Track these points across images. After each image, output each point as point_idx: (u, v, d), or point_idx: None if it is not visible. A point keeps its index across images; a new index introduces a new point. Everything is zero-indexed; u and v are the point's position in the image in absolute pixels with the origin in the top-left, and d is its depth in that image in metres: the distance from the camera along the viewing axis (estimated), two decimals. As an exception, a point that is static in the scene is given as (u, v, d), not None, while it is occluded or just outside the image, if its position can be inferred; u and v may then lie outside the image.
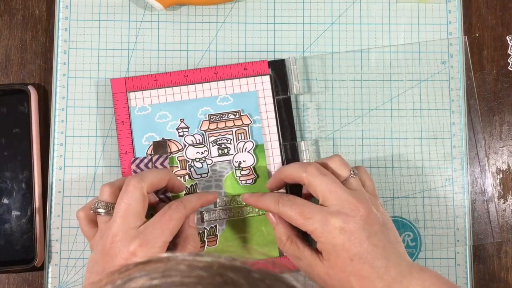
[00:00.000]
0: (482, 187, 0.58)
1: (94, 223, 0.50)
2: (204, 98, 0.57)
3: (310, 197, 0.52)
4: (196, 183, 0.56)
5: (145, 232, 0.46)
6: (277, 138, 0.57)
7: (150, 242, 0.46)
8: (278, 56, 0.59)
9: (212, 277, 0.29)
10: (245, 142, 0.56)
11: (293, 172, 0.50)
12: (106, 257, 0.46)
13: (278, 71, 0.57)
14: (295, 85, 0.57)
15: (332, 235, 0.46)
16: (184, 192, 0.55)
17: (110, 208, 0.48)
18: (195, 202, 0.51)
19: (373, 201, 0.49)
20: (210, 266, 0.30)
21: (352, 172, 0.50)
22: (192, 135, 0.56)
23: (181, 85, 0.57)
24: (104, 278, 0.30)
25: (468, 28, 0.60)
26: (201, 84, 0.57)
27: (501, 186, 0.59)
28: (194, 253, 0.41)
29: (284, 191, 0.55)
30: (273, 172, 0.56)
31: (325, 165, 0.50)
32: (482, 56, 0.60)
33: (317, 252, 0.49)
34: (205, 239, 0.55)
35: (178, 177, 0.55)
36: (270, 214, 0.52)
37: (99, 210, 0.48)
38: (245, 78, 0.57)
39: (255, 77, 0.57)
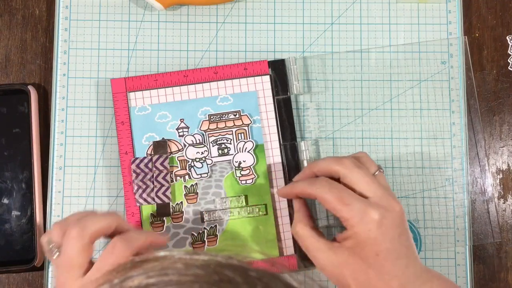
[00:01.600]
0: (482, 187, 0.58)
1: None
2: (204, 98, 0.57)
3: None
4: (196, 183, 0.56)
5: (90, 283, 0.43)
6: (277, 138, 0.57)
7: None
8: (278, 56, 0.59)
9: (209, 275, 0.29)
10: (245, 142, 0.56)
11: (328, 165, 0.50)
12: None
13: (278, 71, 0.57)
14: (295, 85, 0.57)
15: (368, 227, 0.46)
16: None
17: (56, 249, 0.46)
18: (140, 241, 0.46)
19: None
20: (207, 264, 0.29)
21: (379, 168, 0.50)
22: (192, 135, 0.56)
23: (181, 85, 0.57)
24: (101, 277, 0.30)
25: (468, 28, 0.60)
26: (201, 84, 0.57)
27: (501, 186, 0.59)
28: (191, 251, 0.41)
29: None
30: (273, 172, 0.56)
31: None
32: (482, 56, 0.60)
33: (338, 243, 0.48)
34: (205, 239, 0.55)
35: (128, 223, 0.50)
36: (294, 200, 0.52)
37: (53, 251, 0.46)
38: (245, 78, 0.57)
39: (255, 77, 0.57)
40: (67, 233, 0.45)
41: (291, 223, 0.56)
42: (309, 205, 0.57)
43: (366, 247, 0.46)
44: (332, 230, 0.57)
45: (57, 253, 0.45)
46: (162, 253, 0.31)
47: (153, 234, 0.52)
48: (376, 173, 0.49)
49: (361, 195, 0.48)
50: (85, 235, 0.44)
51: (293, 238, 0.56)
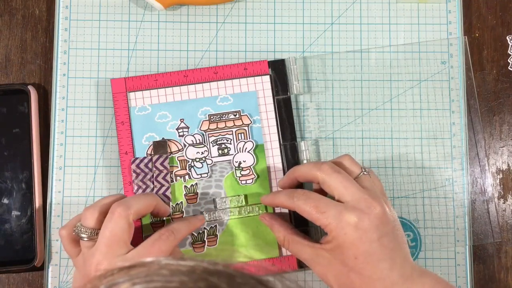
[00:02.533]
0: (482, 187, 0.58)
1: (76, 242, 0.50)
2: (204, 98, 0.57)
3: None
4: (196, 183, 0.56)
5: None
6: (277, 138, 0.57)
7: None
8: (278, 56, 0.59)
9: (194, 281, 0.28)
10: (245, 142, 0.56)
11: (307, 171, 0.50)
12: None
13: (278, 71, 0.57)
14: (295, 85, 0.57)
15: (344, 231, 0.46)
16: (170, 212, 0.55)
17: (93, 234, 0.48)
18: (185, 231, 0.51)
19: (384, 200, 0.49)
20: (192, 270, 0.29)
21: (363, 170, 0.50)
22: (192, 135, 0.56)
23: (181, 85, 0.57)
24: (88, 283, 0.30)
25: (468, 28, 0.60)
26: (201, 84, 0.57)
27: (501, 186, 0.59)
28: (178, 257, 0.41)
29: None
30: (273, 172, 0.56)
31: (337, 164, 0.50)
32: (482, 56, 0.60)
33: (320, 244, 0.49)
34: (205, 239, 0.55)
35: (164, 202, 0.54)
36: (264, 216, 0.53)
37: (82, 235, 0.48)
38: (245, 78, 0.57)
39: (255, 77, 0.57)
40: (111, 210, 0.47)
41: (291, 223, 0.56)
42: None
43: (345, 251, 0.46)
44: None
45: (86, 236, 0.47)
46: (149, 259, 0.31)
47: (192, 221, 0.53)
48: (360, 175, 0.50)
49: (340, 200, 0.48)
50: (129, 214, 0.47)
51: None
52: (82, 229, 0.48)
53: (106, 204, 0.49)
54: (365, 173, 0.50)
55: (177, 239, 0.49)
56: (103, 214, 0.48)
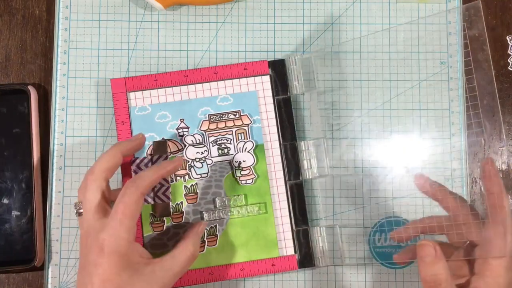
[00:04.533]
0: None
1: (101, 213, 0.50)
2: (204, 98, 0.57)
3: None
4: (196, 183, 0.56)
5: (107, 225, 0.46)
6: (277, 138, 0.57)
7: (113, 234, 0.46)
8: (278, 56, 0.59)
9: None
10: (245, 142, 0.56)
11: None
12: (84, 257, 0.47)
13: (278, 71, 0.57)
14: (295, 85, 0.57)
15: None
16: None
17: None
18: (150, 178, 0.49)
19: None
20: None
21: None
22: (192, 135, 0.56)
23: (181, 85, 0.57)
24: None
25: (468, 28, 0.60)
26: (201, 84, 0.57)
27: (501, 186, 0.59)
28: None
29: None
30: (273, 172, 0.56)
31: None
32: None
33: None
34: (205, 239, 0.55)
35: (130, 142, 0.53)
36: (433, 245, 0.47)
37: (79, 211, 0.49)
38: (245, 78, 0.57)
39: (255, 77, 0.57)
40: (83, 179, 0.49)
41: (291, 223, 0.56)
42: (308, 205, 0.57)
43: None
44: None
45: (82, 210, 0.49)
46: None
47: (161, 165, 0.51)
48: None
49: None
50: (97, 177, 0.49)
51: (293, 238, 0.56)
52: (77, 206, 0.49)
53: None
54: None
55: (141, 187, 0.48)
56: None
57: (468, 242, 0.49)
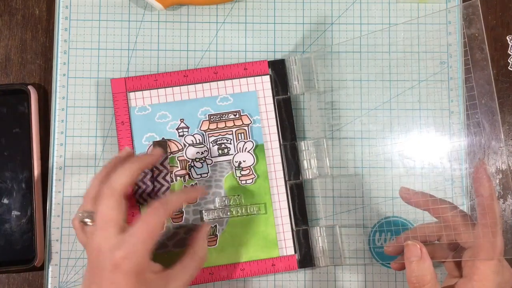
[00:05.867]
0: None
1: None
2: (204, 98, 0.57)
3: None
4: (196, 183, 0.56)
5: (126, 243, 0.45)
6: (277, 138, 0.57)
7: (134, 254, 0.44)
8: (278, 56, 0.59)
9: None
10: (245, 142, 0.56)
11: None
12: (94, 270, 0.45)
13: (278, 71, 0.57)
14: (295, 85, 0.57)
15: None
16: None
17: (93, 217, 0.47)
18: (177, 202, 0.49)
19: None
20: None
21: None
22: (192, 135, 0.56)
23: (181, 85, 0.57)
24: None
25: (468, 28, 0.60)
26: (201, 84, 0.57)
27: (501, 186, 0.59)
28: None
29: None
30: (273, 172, 0.56)
31: None
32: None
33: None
34: (205, 239, 0.55)
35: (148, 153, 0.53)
36: (419, 247, 0.48)
37: (86, 220, 0.48)
38: (245, 78, 0.57)
39: (255, 77, 0.57)
40: (99, 194, 0.47)
41: (291, 223, 0.56)
42: (308, 205, 0.57)
43: None
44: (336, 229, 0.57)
45: (90, 220, 0.47)
46: None
47: (186, 191, 0.52)
48: None
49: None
50: (115, 191, 0.47)
51: (293, 238, 0.56)
52: (85, 214, 0.48)
53: (96, 185, 0.49)
54: None
55: (168, 210, 0.47)
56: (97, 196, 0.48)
57: (459, 245, 0.49)
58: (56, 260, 0.56)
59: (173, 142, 0.56)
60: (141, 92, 0.57)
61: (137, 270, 0.45)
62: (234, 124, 0.57)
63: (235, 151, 0.56)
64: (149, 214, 0.46)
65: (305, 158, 0.57)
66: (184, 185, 0.56)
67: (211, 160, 0.56)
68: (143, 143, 0.56)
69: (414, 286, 0.47)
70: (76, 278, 0.56)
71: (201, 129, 0.56)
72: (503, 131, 0.59)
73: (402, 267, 0.50)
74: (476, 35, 0.61)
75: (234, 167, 0.56)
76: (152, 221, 0.46)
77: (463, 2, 0.60)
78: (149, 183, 0.55)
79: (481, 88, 0.60)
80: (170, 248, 0.53)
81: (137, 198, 0.55)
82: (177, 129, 0.56)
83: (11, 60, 0.60)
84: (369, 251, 0.57)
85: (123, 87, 0.57)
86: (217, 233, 0.56)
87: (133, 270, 0.44)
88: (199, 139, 0.56)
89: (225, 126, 0.57)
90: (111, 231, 0.46)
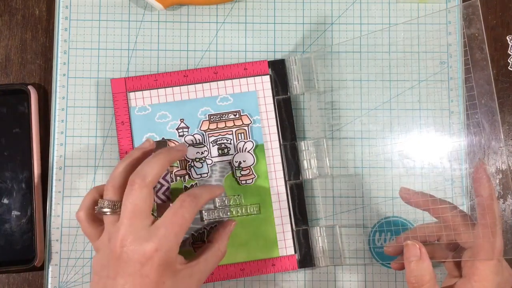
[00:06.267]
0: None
1: (97, 222, 0.49)
2: (204, 98, 0.57)
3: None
4: (196, 183, 0.56)
5: (158, 235, 0.45)
6: (277, 138, 0.57)
7: (166, 246, 0.44)
8: (278, 56, 0.59)
9: None
10: (245, 142, 0.56)
11: None
12: (118, 261, 0.44)
13: (278, 71, 0.57)
14: (295, 85, 0.57)
15: None
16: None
17: (116, 207, 0.47)
18: (206, 196, 0.49)
19: None
20: None
21: None
22: (192, 135, 0.56)
23: (181, 85, 0.57)
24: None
25: (468, 28, 0.60)
26: (201, 84, 0.57)
27: (501, 186, 0.59)
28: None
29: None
30: (273, 172, 0.56)
31: None
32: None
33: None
34: (205, 238, 0.55)
35: (173, 146, 0.54)
36: (418, 247, 0.48)
37: (105, 210, 0.47)
38: (245, 78, 0.57)
39: (255, 77, 0.57)
40: (130, 182, 0.46)
41: (291, 223, 0.56)
42: (308, 205, 0.57)
43: None
44: (335, 229, 0.57)
45: (110, 210, 0.47)
46: None
47: (211, 188, 0.51)
48: None
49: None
50: (148, 183, 0.46)
51: (293, 238, 0.56)
52: (105, 203, 0.47)
53: (121, 174, 0.48)
54: None
55: (199, 204, 0.48)
56: (122, 186, 0.47)
57: (459, 245, 0.49)
58: (56, 260, 0.56)
59: (173, 142, 0.56)
60: (141, 92, 0.57)
61: (168, 262, 0.45)
62: (234, 124, 0.57)
63: (235, 151, 0.56)
64: (181, 206, 0.46)
65: (305, 158, 0.57)
66: (184, 185, 0.56)
67: (211, 160, 0.56)
68: (143, 143, 0.56)
69: (413, 286, 0.47)
70: (76, 278, 0.56)
71: (201, 129, 0.56)
72: (503, 131, 0.59)
73: (402, 267, 0.50)
74: (476, 35, 0.61)
75: (234, 167, 0.56)
76: (185, 214, 0.46)
77: (463, 2, 0.60)
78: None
79: (481, 88, 0.60)
80: (190, 240, 0.53)
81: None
82: (177, 129, 0.56)
83: (11, 60, 0.60)
84: (369, 251, 0.57)
85: (123, 87, 0.57)
86: (217, 233, 0.56)
87: (164, 262, 0.44)
88: (199, 139, 0.56)
89: (225, 126, 0.57)
90: (141, 222, 0.45)
